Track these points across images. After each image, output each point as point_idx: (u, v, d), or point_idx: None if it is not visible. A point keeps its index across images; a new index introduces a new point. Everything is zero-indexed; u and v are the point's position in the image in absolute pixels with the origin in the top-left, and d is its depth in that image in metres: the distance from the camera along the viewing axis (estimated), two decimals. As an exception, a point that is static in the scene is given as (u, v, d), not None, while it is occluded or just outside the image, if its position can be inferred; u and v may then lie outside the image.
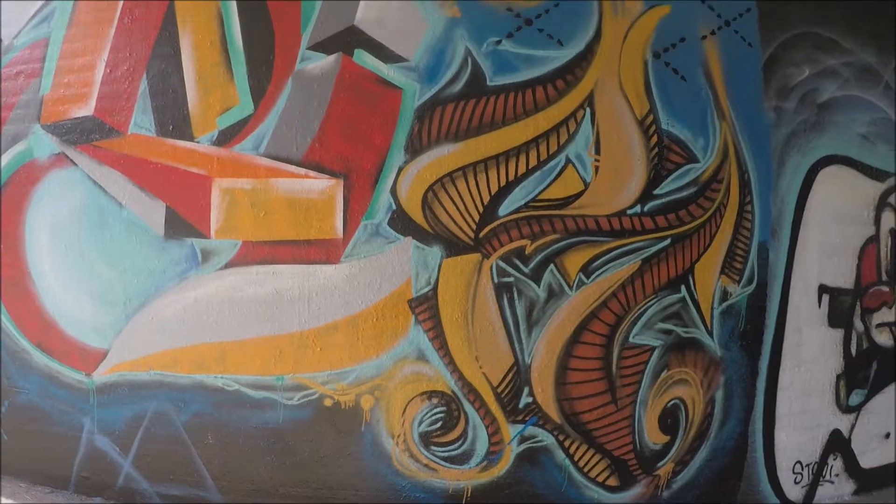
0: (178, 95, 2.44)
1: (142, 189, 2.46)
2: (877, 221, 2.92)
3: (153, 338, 2.45)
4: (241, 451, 2.42)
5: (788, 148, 2.70)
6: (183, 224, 2.42)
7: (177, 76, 2.44)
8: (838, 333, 2.83)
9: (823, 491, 2.86)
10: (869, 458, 2.97)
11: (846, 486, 2.91)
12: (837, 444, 2.89)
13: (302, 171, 2.34)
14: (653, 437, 2.51)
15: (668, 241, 2.41)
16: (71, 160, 2.57)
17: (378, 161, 2.31)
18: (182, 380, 2.45)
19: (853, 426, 2.92)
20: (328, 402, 2.36)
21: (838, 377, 2.84)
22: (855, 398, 2.91)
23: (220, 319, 2.39)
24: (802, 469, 2.80)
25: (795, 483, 2.78)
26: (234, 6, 2.41)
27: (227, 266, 2.39)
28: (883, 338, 2.98)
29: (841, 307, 2.84)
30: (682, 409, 2.54)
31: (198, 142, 2.43)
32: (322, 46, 2.34)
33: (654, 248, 2.40)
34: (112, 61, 2.50)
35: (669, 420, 2.53)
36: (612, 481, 2.48)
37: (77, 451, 2.60)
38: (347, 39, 2.32)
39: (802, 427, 2.77)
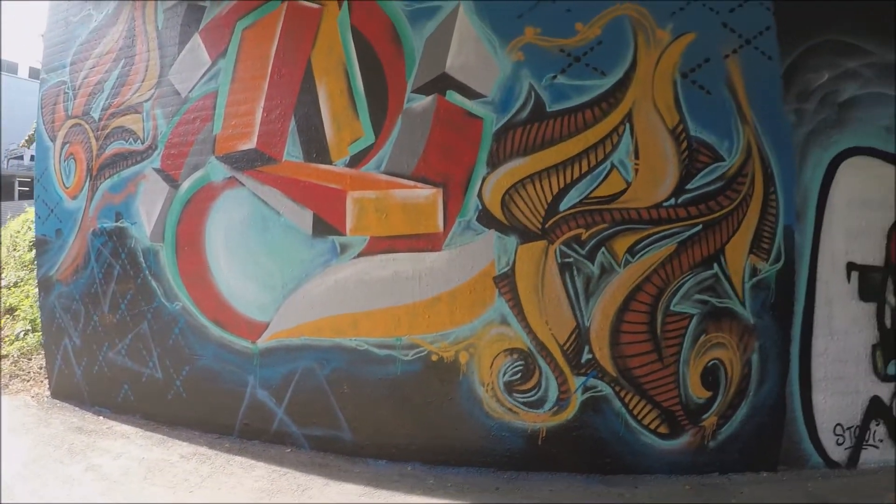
0: (318, 131, 3.54)
1: (294, 201, 3.56)
2: (907, 204, 3.35)
3: (304, 312, 3.51)
4: (368, 397, 3.42)
5: (810, 144, 3.30)
6: (326, 226, 3.49)
7: (317, 117, 3.55)
8: (870, 307, 3.34)
9: (868, 455, 3.32)
10: (918, 427, 3.34)
11: (892, 453, 3.32)
12: (879, 410, 3.34)
13: (412, 183, 3.36)
14: (696, 391, 3.22)
15: (699, 227, 3.17)
16: (240, 182, 3.72)
17: (467, 174, 3.28)
18: (325, 343, 3.49)
19: (894, 394, 3.35)
20: (434, 358, 3.33)
21: (874, 347, 3.33)
22: (893, 368, 3.34)
23: (354, 296, 3.42)
24: (844, 432, 3.31)
25: (838, 444, 3.30)
26: (356, 63, 3.48)
27: (359, 256, 3.43)
28: (919, 312, 3.37)
29: (871, 283, 3.34)
30: (722, 368, 3.22)
31: (335, 165, 3.51)
32: (422, 89, 3.37)
33: (687, 233, 3.17)
34: (267, 108, 3.64)
35: (711, 378, 3.22)
36: (663, 429, 3.21)
37: (242, 403, 3.68)
38: (441, 83, 3.34)
39: (840, 392, 3.29)
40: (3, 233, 6.54)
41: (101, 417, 4.06)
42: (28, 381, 4.69)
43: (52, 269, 4.42)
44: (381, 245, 3.40)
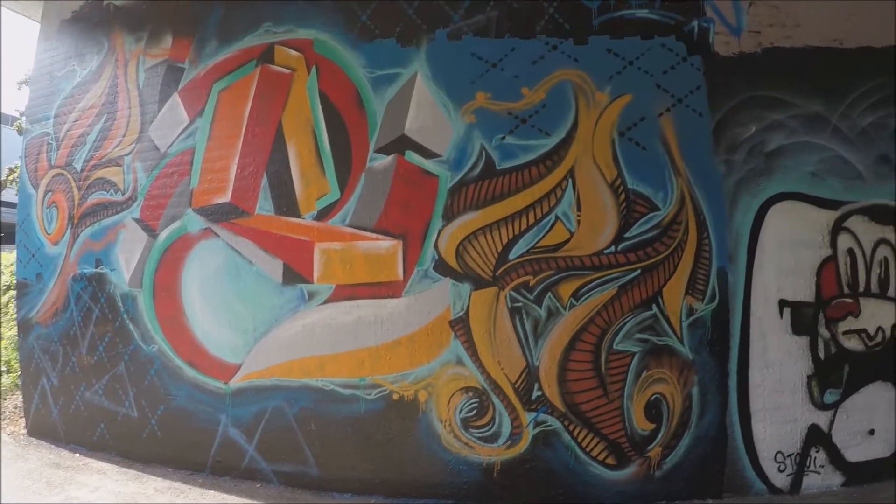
0: (288, 187, 3.89)
1: (266, 251, 3.89)
2: (833, 244, 3.71)
3: (274, 354, 3.80)
4: (334, 435, 3.69)
5: (739, 191, 3.64)
6: (295, 274, 3.82)
7: (287, 174, 3.90)
8: (803, 340, 3.64)
9: (810, 480, 3.59)
10: (855, 452, 3.66)
11: (834, 478, 3.62)
12: (817, 437, 3.62)
13: (374, 235, 3.71)
14: (640, 424, 3.52)
15: (638, 272, 3.52)
16: (215, 233, 4.04)
17: (424, 226, 3.65)
18: (293, 383, 3.77)
19: (832, 422, 3.64)
20: (395, 397, 3.63)
21: (809, 378, 3.62)
22: (829, 397, 3.65)
23: (320, 339, 3.73)
24: (784, 459, 3.58)
25: (780, 471, 3.58)
26: (323, 125, 3.86)
27: (325, 302, 3.75)
28: (852, 343, 3.68)
29: (803, 318, 3.65)
30: (664, 402, 3.53)
31: (303, 218, 3.85)
32: (383, 150, 3.75)
33: (627, 278, 3.52)
34: (241, 164, 3.99)
35: (654, 411, 3.52)
36: (611, 460, 3.51)
37: (214, 440, 3.92)
38: (400, 144, 3.72)
39: (778, 421, 3.57)
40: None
41: (77, 455, 4.24)
42: (3, 419, 4.89)
43: (31, 311, 4.63)
44: (346, 292, 3.73)
